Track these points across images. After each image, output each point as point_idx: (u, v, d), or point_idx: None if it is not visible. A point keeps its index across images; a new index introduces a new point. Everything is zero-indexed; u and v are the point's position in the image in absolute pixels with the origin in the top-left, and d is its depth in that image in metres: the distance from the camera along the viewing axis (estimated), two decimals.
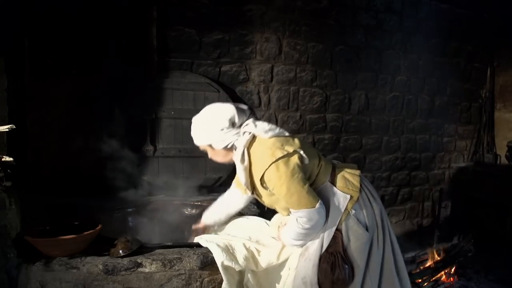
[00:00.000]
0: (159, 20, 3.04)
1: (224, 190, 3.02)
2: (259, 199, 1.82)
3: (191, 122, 1.72)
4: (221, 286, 1.74)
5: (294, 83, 3.63)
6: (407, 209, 4.46)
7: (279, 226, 1.89)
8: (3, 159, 1.71)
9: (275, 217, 2.00)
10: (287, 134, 1.70)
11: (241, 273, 1.82)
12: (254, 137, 1.66)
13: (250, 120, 1.68)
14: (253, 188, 1.73)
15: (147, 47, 3.02)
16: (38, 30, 2.69)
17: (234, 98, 3.24)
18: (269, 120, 3.55)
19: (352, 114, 3.96)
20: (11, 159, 1.72)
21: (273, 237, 1.90)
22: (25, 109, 2.69)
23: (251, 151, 1.65)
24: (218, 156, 1.76)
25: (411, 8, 4.13)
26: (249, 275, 1.81)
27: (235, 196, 2.04)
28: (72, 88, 2.79)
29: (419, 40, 4.21)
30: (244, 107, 1.73)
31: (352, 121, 3.97)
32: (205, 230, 2.08)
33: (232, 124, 1.65)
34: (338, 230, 1.65)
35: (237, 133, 1.66)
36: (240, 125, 1.68)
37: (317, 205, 1.59)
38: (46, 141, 2.75)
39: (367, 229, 1.68)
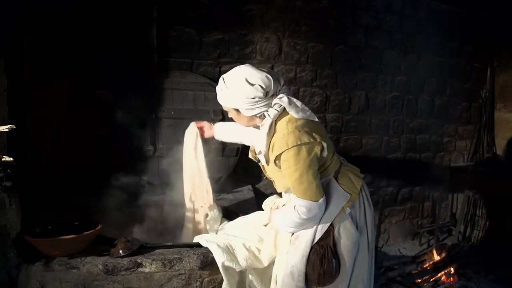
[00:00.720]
0: (159, 20, 3.04)
1: (224, 190, 3.05)
2: (262, 168, 1.80)
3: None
4: (221, 286, 1.74)
5: (294, 83, 3.63)
6: (407, 209, 4.46)
7: (271, 208, 1.89)
8: (3, 159, 1.71)
9: (268, 199, 2.00)
10: (316, 119, 1.66)
11: (241, 273, 1.82)
12: (283, 110, 1.62)
13: (285, 94, 1.62)
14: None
15: (147, 47, 3.02)
16: (38, 30, 2.68)
17: None
18: None
19: (352, 114, 3.96)
20: (11, 159, 1.73)
21: (265, 225, 1.91)
22: (25, 109, 2.69)
23: (278, 123, 1.61)
24: (241, 120, 1.72)
25: (411, 8, 4.12)
26: (250, 276, 1.82)
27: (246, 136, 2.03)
28: (72, 88, 2.79)
29: (419, 40, 4.20)
30: (279, 76, 1.67)
31: (352, 121, 3.97)
32: (209, 131, 2.11)
33: (266, 93, 1.59)
34: (331, 225, 1.66)
35: (267, 104, 1.61)
36: (272, 95, 1.62)
37: (321, 200, 1.58)
38: (46, 141, 2.75)
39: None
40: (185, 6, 3.14)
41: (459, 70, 4.54)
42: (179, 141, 2.58)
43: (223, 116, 3.08)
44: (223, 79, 1.65)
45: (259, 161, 1.74)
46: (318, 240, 1.64)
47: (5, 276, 1.62)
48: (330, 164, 1.69)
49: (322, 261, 1.61)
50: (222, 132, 2.11)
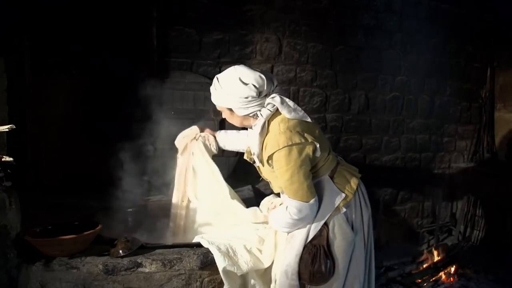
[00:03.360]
0: (159, 20, 3.04)
1: None
2: (257, 169, 1.80)
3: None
4: (221, 286, 1.74)
5: (294, 83, 3.63)
6: (407, 209, 4.46)
7: (268, 208, 1.91)
8: (3, 159, 1.71)
9: (266, 199, 2.00)
10: (309, 119, 1.66)
11: (243, 277, 1.82)
12: (276, 110, 1.62)
13: (278, 94, 1.62)
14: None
15: (147, 47, 3.02)
16: (38, 30, 2.68)
17: None
18: None
19: (352, 114, 3.96)
20: (11, 159, 1.72)
21: (262, 222, 1.93)
22: (25, 109, 2.69)
23: (271, 124, 1.62)
24: (234, 120, 1.72)
25: (411, 8, 4.12)
26: (252, 280, 1.81)
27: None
28: (72, 88, 2.79)
29: (419, 40, 4.20)
30: (272, 76, 1.67)
31: (352, 121, 3.97)
32: (211, 137, 2.09)
33: (259, 93, 1.59)
34: (325, 224, 1.65)
35: (260, 103, 1.61)
36: (265, 95, 1.62)
37: (312, 200, 1.58)
38: (46, 141, 2.75)
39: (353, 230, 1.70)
40: (185, 6, 3.14)
41: (459, 70, 4.54)
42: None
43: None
44: (217, 79, 1.66)
45: (254, 162, 1.74)
46: (311, 239, 1.64)
47: (5, 276, 1.62)
48: (324, 163, 1.69)
49: (313, 260, 1.62)
50: (225, 140, 2.09)
